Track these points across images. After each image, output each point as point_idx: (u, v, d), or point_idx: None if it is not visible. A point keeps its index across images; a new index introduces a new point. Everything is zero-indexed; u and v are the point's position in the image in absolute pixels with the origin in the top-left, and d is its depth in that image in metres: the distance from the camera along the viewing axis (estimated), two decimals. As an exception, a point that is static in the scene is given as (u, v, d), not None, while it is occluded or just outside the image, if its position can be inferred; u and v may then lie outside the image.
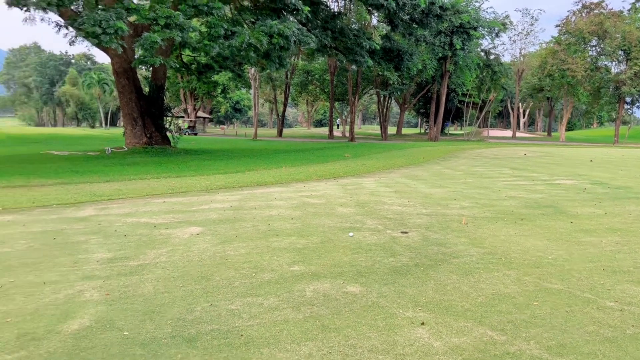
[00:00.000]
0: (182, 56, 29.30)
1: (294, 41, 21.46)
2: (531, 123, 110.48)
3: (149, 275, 5.12)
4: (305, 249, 6.18)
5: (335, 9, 35.31)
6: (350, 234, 6.95)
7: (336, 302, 4.45)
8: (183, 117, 60.24)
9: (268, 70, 32.50)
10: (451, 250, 6.21)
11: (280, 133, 58.46)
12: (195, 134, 55.41)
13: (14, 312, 4.19)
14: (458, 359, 3.48)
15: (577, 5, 54.37)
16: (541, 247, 6.45)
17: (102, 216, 8.17)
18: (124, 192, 10.80)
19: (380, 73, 36.28)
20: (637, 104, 59.07)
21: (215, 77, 45.05)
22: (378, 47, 28.13)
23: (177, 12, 18.64)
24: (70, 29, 19.63)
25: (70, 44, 20.88)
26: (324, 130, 76.08)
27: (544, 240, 6.79)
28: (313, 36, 23.18)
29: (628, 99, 55.86)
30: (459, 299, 4.55)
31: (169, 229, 7.24)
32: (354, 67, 40.32)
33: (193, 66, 29.89)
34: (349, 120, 57.34)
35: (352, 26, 32.13)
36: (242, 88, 69.42)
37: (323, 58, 48.35)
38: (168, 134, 27.74)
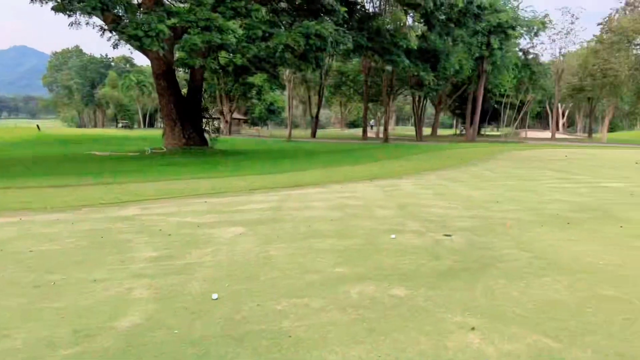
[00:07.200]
0: (219, 58, 29.71)
1: (331, 42, 21.48)
2: (571, 124, 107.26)
3: (195, 275, 5.18)
4: (347, 251, 6.14)
5: (371, 10, 35.20)
6: (393, 236, 6.88)
7: (382, 305, 4.40)
8: (219, 118, 60.96)
9: (303, 72, 32.47)
10: (497, 254, 6.06)
11: (314, 134, 58.52)
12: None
13: (68, 308, 4.29)
14: (513, 366, 3.38)
15: (621, 2, 52.65)
16: (591, 251, 6.23)
17: (145, 215, 8.32)
18: (165, 192, 11.00)
19: (416, 74, 35.89)
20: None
21: (250, 79, 45.42)
22: (414, 47, 27.90)
23: (216, 14, 18.90)
24: (114, 32, 20.17)
25: (113, 47, 21.44)
26: (357, 132, 75.71)
27: (593, 245, 6.57)
28: (349, 36, 23.14)
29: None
30: (509, 304, 4.43)
31: (212, 228, 7.32)
32: (388, 67, 40.00)
33: (229, 68, 30.26)
34: (382, 121, 56.99)
35: (388, 27, 31.96)
36: (276, 90, 69.84)
37: (357, 59, 48.17)
38: (205, 134, 28.16)
